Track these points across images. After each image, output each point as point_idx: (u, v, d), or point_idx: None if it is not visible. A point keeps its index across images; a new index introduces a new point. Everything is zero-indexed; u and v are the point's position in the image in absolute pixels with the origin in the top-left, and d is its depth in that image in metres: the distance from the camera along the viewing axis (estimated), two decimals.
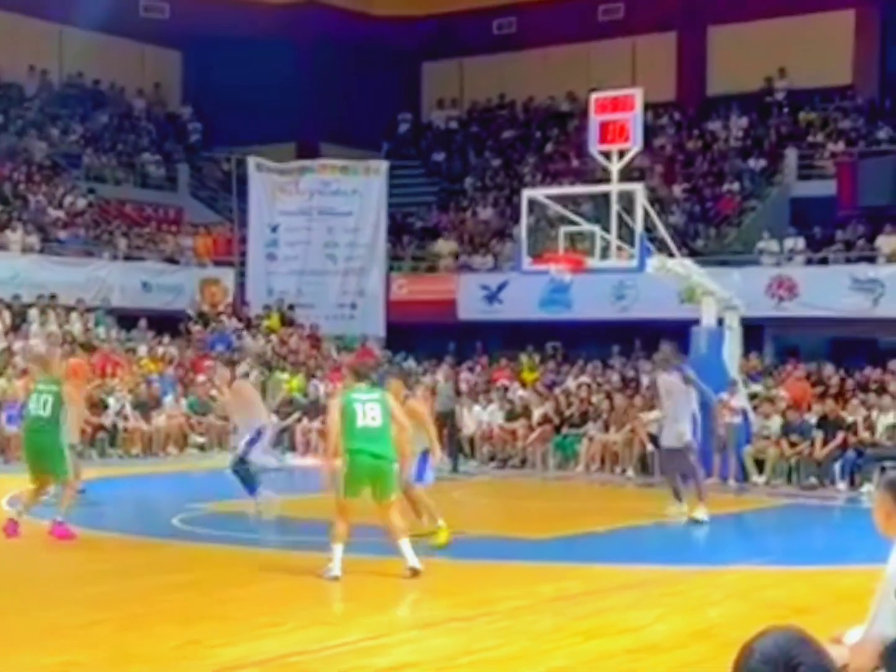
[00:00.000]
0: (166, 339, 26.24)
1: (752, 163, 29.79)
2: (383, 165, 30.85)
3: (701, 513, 14.46)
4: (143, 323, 26.41)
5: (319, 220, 30.13)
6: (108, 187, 31.46)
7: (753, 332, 21.88)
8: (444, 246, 30.27)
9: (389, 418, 10.45)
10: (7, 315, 24.31)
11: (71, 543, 12.20)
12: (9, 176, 28.54)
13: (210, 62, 34.80)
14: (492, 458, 21.88)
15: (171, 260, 29.10)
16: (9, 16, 30.97)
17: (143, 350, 25.16)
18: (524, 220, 19.26)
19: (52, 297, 25.19)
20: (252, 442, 13.78)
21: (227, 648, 7.88)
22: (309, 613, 9.06)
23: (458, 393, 22.58)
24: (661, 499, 15.82)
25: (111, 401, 22.25)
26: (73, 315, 25.26)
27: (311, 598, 9.76)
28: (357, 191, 30.25)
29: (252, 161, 30.37)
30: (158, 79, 35.68)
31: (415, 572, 10.20)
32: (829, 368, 21.64)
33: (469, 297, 28.31)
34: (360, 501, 10.45)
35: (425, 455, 12.27)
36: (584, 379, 23.05)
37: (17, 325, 24.20)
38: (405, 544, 10.31)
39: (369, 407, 10.35)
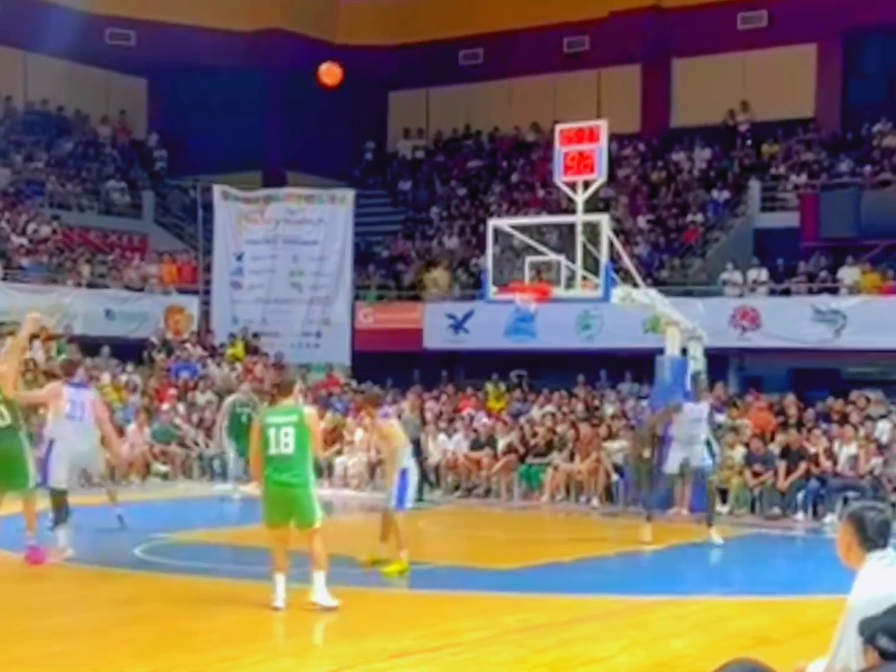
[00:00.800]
0: (130, 367, 26.11)
1: (715, 194, 30.03)
2: (349, 194, 30.88)
3: (717, 536, 15.35)
4: (105, 351, 26.27)
5: (285, 249, 30.10)
6: (72, 214, 31.35)
7: (717, 362, 21.99)
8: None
9: (307, 441, 10.12)
10: None
11: (32, 572, 12.09)
12: None
13: (176, 90, 34.81)
14: (456, 488, 21.84)
15: (136, 287, 28.98)
16: None
17: (105, 378, 24.99)
18: (490, 249, 19.31)
19: (15, 324, 24.99)
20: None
21: None
22: (274, 645, 9.01)
23: (423, 422, 22.57)
24: (627, 528, 15.84)
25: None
26: (36, 343, 25.07)
27: (277, 629, 9.71)
28: (323, 219, 30.25)
29: (217, 189, 30.31)
30: (124, 106, 35.61)
31: (315, 606, 9.99)
32: (790, 398, 21.77)
33: (435, 326, 28.34)
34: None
35: (404, 476, 12.25)
36: (550, 408, 23.07)
37: None
38: (319, 578, 10.10)
39: (284, 432, 10.04)
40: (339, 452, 22.66)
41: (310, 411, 10.70)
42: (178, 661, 8.34)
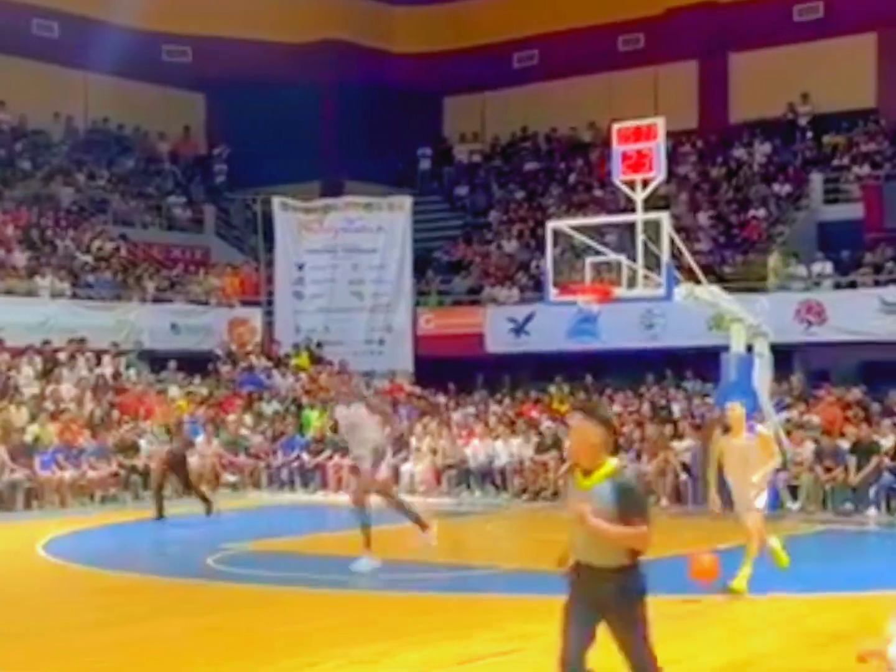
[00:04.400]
0: (196, 379, 26.34)
1: (777, 188, 29.73)
2: (407, 201, 30.93)
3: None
4: (172, 364, 26.52)
5: (345, 258, 30.24)
6: (136, 230, 31.71)
7: (783, 357, 21.78)
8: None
9: None
10: (38, 360, 24.43)
11: (107, 585, 12.20)
12: (36, 222, 28.78)
13: (233, 104, 35.05)
14: (523, 491, 21.77)
15: (200, 301, 29.25)
16: (34, 64, 31.38)
17: (174, 391, 25.22)
18: (549, 251, 19.26)
19: (82, 340, 25.32)
20: None
21: None
22: (346, 653, 9.01)
23: (487, 425, 22.47)
24: (696, 528, 15.70)
25: (143, 443, 22.30)
26: (105, 359, 25.39)
27: (350, 637, 9.69)
28: (382, 227, 30.36)
29: (277, 200, 30.52)
30: (182, 122, 35.94)
31: None
32: (856, 392, 21.46)
33: (496, 330, 28.31)
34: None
35: None
36: (615, 408, 22.94)
37: (49, 370, 24.31)
38: None
39: None
40: (406, 460, 22.67)
41: None
42: (253, 669, 8.38)
